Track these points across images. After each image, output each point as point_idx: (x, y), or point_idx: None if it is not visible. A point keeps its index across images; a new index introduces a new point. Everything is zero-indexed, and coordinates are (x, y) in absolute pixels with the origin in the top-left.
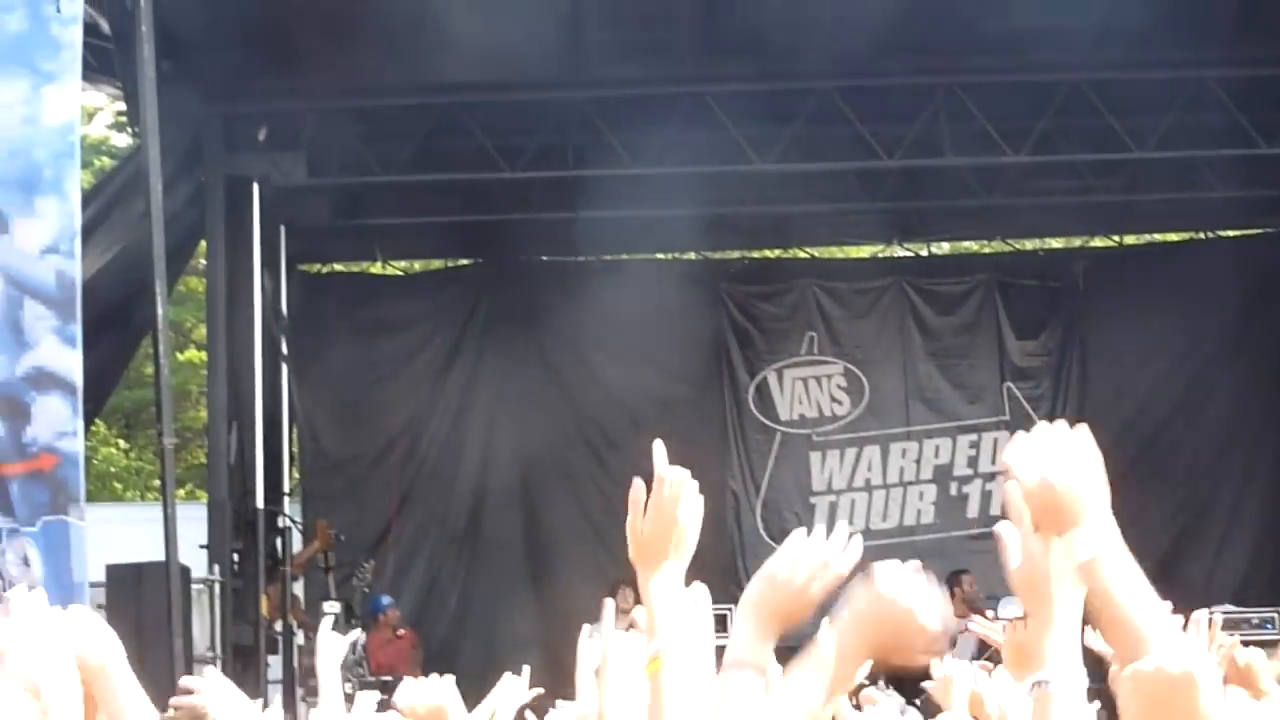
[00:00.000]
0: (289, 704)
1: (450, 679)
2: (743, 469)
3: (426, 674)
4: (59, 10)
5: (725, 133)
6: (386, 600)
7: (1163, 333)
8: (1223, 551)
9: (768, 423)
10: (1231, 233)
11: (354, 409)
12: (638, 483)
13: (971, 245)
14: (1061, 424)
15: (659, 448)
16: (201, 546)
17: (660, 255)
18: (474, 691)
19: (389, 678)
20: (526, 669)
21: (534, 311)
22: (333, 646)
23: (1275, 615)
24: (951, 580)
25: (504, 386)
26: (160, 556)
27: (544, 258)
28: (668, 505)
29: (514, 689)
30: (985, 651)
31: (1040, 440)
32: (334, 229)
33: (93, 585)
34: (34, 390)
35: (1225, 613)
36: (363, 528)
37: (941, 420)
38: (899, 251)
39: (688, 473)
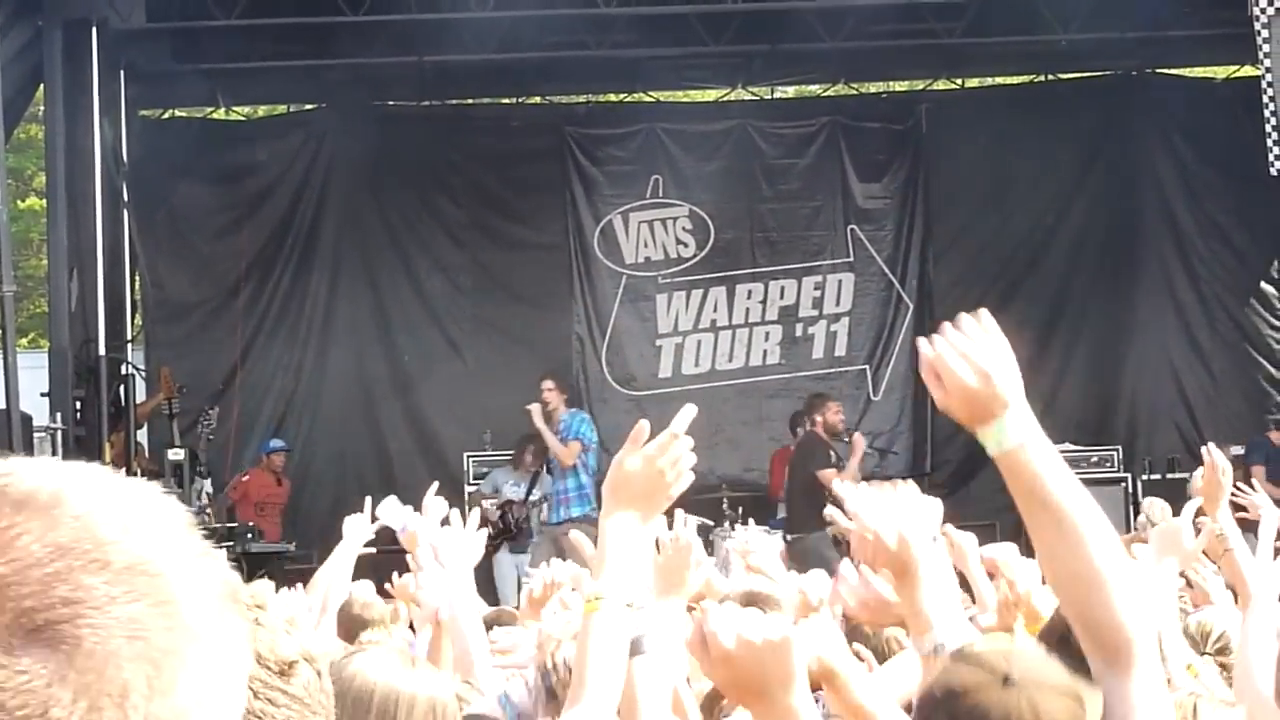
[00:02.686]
0: None
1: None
2: (588, 313)
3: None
4: None
5: None
6: (277, 443)
7: (1005, 176)
8: (1061, 392)
9: (613, 266)
10: (1072, 75)
11: (197, 255)
12: (643, 424)
13: (815, 89)
14: (967, 318)
15: (688, 410)
16: (44, 394)
17: (505, 100)
18: (318, 539)
19: (234, 524)
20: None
21: (379, 156)
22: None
23: (1114, 453)
24: (812, 406)
25: (348, 232)
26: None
27: (389, 102)
28: (666, 464)
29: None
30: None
31: (959, 330)
32: (175, 73)
33: None
34: None
35: (1065, 451)
36: (207, 374)
37: (786, 262)
38: (744, 95)
39: (691, 442)
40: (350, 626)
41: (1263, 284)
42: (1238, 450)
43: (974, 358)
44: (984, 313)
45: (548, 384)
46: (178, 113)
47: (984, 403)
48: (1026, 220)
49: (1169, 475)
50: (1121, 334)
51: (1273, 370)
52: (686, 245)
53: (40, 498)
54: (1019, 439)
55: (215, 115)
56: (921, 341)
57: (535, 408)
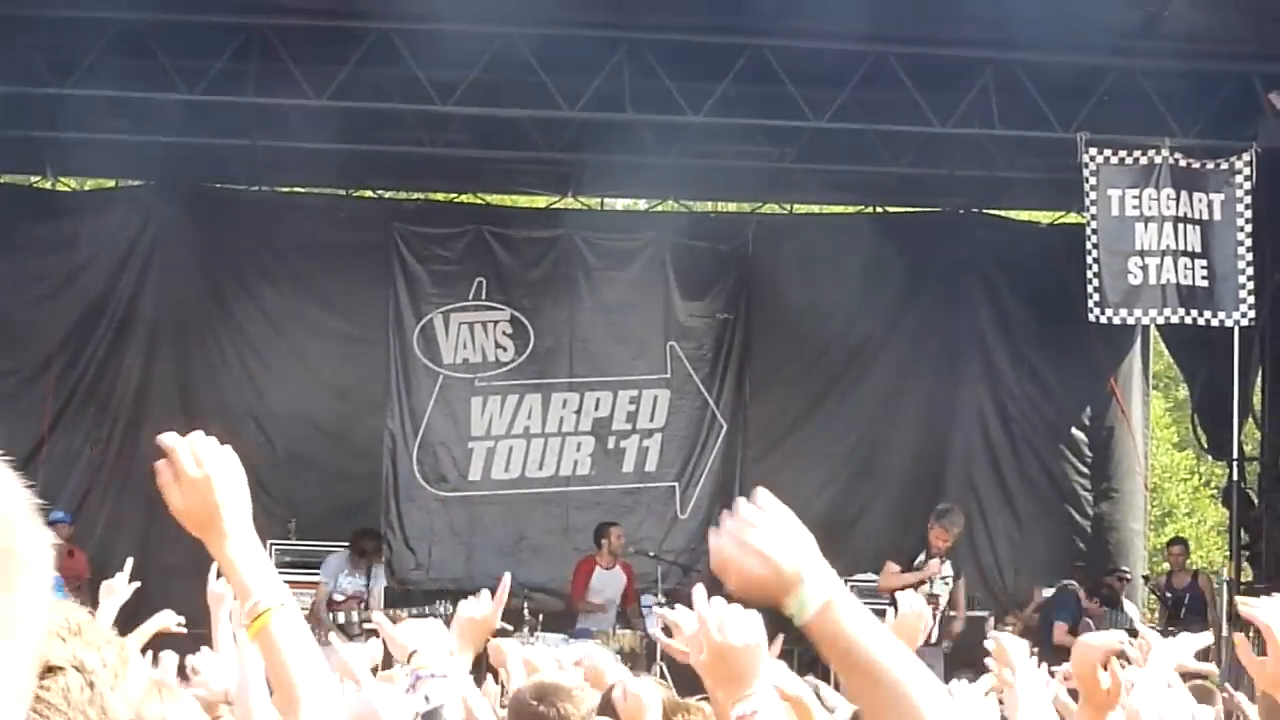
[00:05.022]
0: None
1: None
2: (402, 410)
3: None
4: None
5: (408, 70)
6: (58, 515)
7: (827, 303)
8: (866, 521)
9: (430, 365)
10: (900, 209)
11: (12, 323)
12: (159, 465)
13: (644, 203)
14: (743, 503)
15: (167, 437)
16: None
17: (335, 190)
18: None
19: None
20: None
21: (203, 237)
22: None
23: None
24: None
25: (167, 311)
26: None
27: (217, 184)
28: (196, 476)
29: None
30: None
31: (737, 518)
32: (2, 140)
33: None
34: None
35: (866, 581)
36: (14, 443)
37: (604, 374)
38: (573, 204)
39: (201, 435)
40: None
41: (1073, 430)
42: (1049, 592)
43: (751, 542)
44: (760, 490)
45: None
46: (3, 179)
47: (773, 583)
48: (845, 348)
49: (969, 613)
50: (932, 467)
51: (1076, 516)
52: (505, 349)
53: None
54: (819, 603)
55: (41, 184)
56: (711, 532)
57: None
